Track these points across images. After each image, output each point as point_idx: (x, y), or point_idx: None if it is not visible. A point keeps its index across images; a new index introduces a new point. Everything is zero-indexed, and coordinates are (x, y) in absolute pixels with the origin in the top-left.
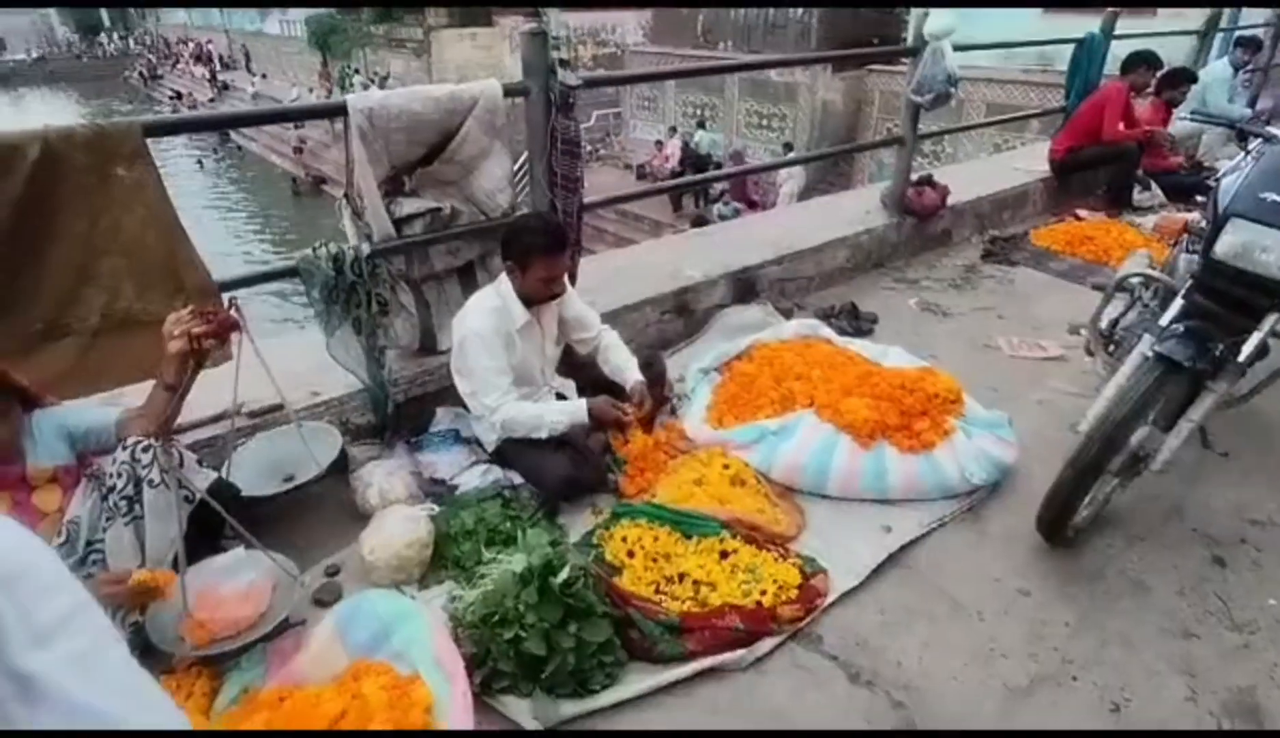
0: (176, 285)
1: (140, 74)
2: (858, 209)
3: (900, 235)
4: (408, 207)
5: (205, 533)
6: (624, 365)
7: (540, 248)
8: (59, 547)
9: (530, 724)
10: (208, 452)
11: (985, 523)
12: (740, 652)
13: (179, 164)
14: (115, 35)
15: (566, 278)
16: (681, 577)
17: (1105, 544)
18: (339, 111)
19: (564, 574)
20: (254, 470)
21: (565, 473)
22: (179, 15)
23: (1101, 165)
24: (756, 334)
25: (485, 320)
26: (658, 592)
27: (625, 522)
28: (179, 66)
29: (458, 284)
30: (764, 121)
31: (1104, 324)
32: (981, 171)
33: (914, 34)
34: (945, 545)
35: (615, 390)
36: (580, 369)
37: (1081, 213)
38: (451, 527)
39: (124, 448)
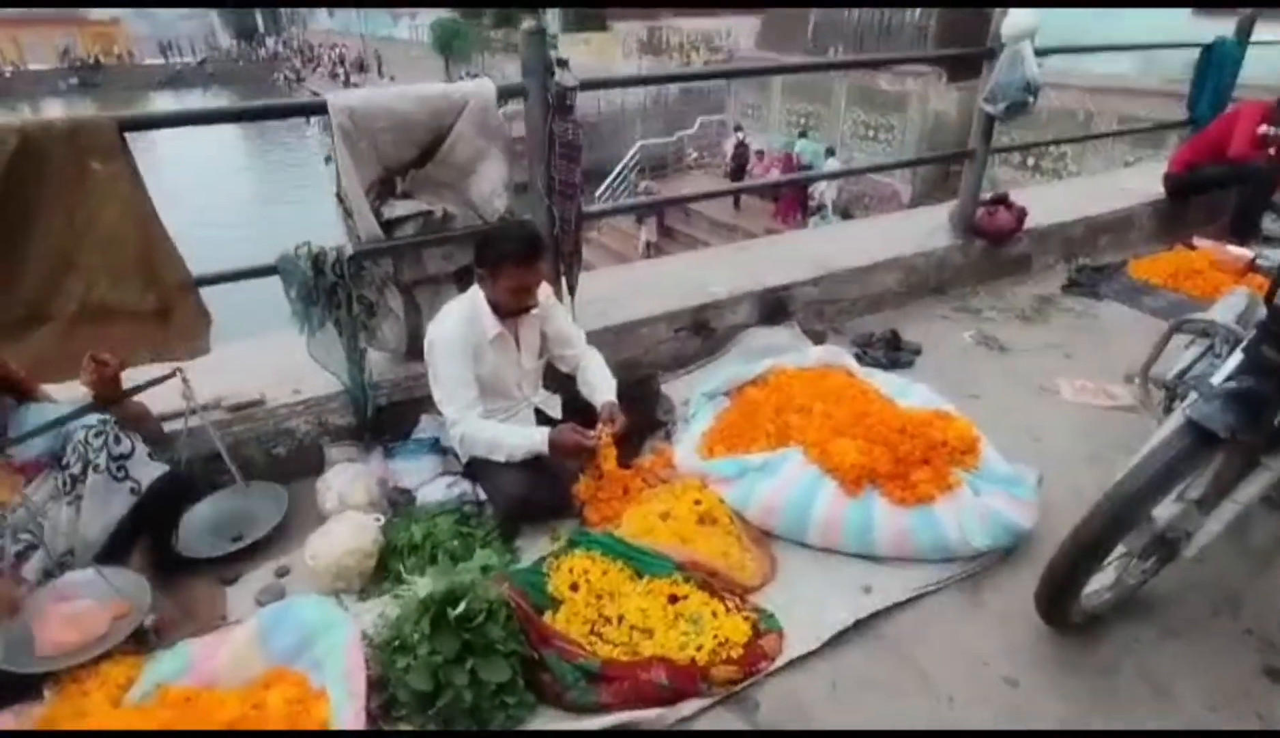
0: (151, 278)
1: (286, 77)
2: (921, 228)
3: (966, 259)
4: (399, 209)
5: (152, 529)
6: (598, 386)
7: (511, 257)
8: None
9: None
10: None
11: (985, 594)
12: (660, 711)
13: (315, 160)
14: (269, 39)
15: (566, 290)
16: (621, 618)
17: (1130, 636)
18: (320, 110)
19: (461, 607)
20: (204, 529)
21: (518, 492)
22: (323, 20)
23: (1224, 186)
24: (777, 359)
25: (454, 328)
26: (592, 632)
27: (579, 551)
28: (319, 70)
29: (455, 289)
30: (871, 132)
31: (1171, 374)
32: (1081, 191)
33: (991, 35)
34: (931, 616)
35: (628, 392)
36: (572, 382)
37: (1199, 241)
38: (398, 539)
39: (81, 429)
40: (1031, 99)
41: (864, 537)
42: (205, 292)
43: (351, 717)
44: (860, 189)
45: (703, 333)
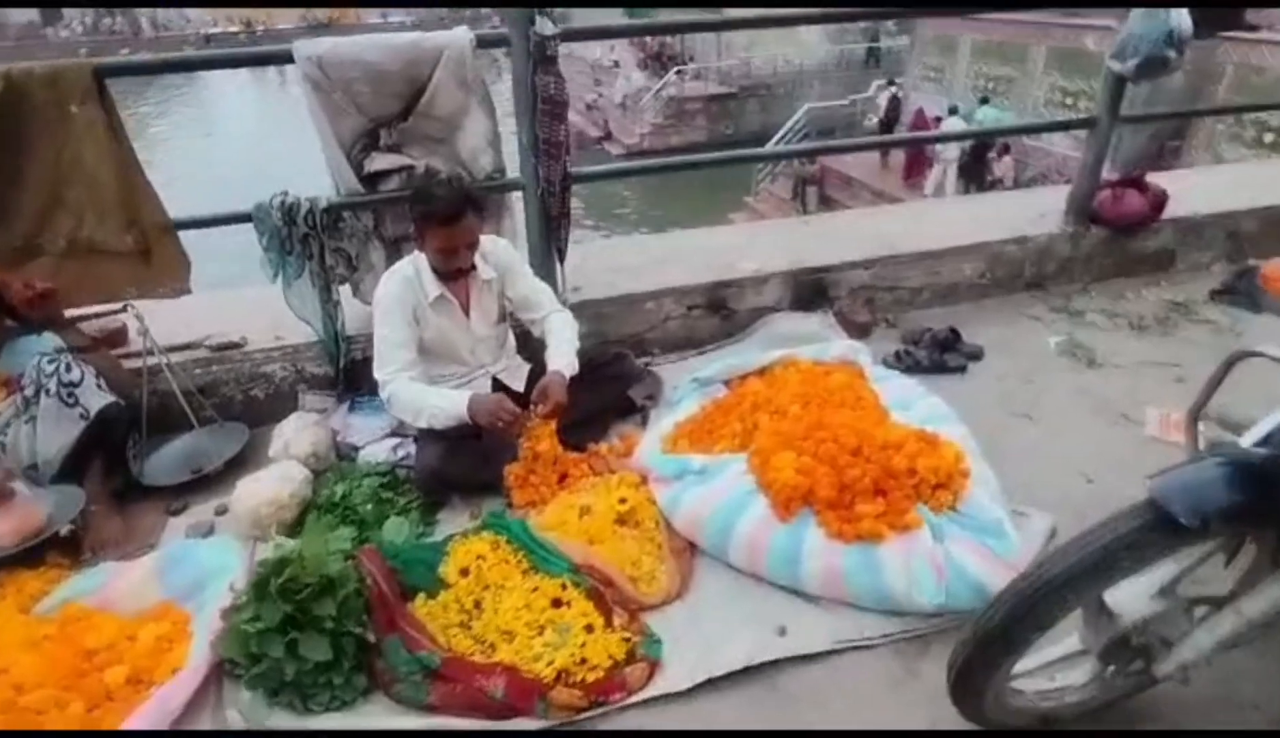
0: (131, 219)
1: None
2: (1028, 211)
3: (1076, 250)
4: (380, 162)
5: (105, 453)
6: (553, 356)
7: (434, 216)
8: None
9: (233, 719)
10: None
11: (925, 664)
12: (484, 725)
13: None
14: None
15: (556, 258)
16: (498, 612)
17: None
18: (286, 59)
19: (283, 577)
20: (171, 460)
21: (430, 463)
22: None
23: None
24: (794, 348)
25: (393, 288)
26: (461, 625)
27: (486, 534)
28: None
29: None
30: (1070, 99)
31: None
32: (1266, 176)
33: None
34: (850, 676)
35: (598, 370)
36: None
37: None
38: (321, 495)
39: (38, 356)
40: (1173, 54)
41: (791, 568)
42: (216, 236)
43: (198, 665)
44: (1048, 163)
45: (720, 313)
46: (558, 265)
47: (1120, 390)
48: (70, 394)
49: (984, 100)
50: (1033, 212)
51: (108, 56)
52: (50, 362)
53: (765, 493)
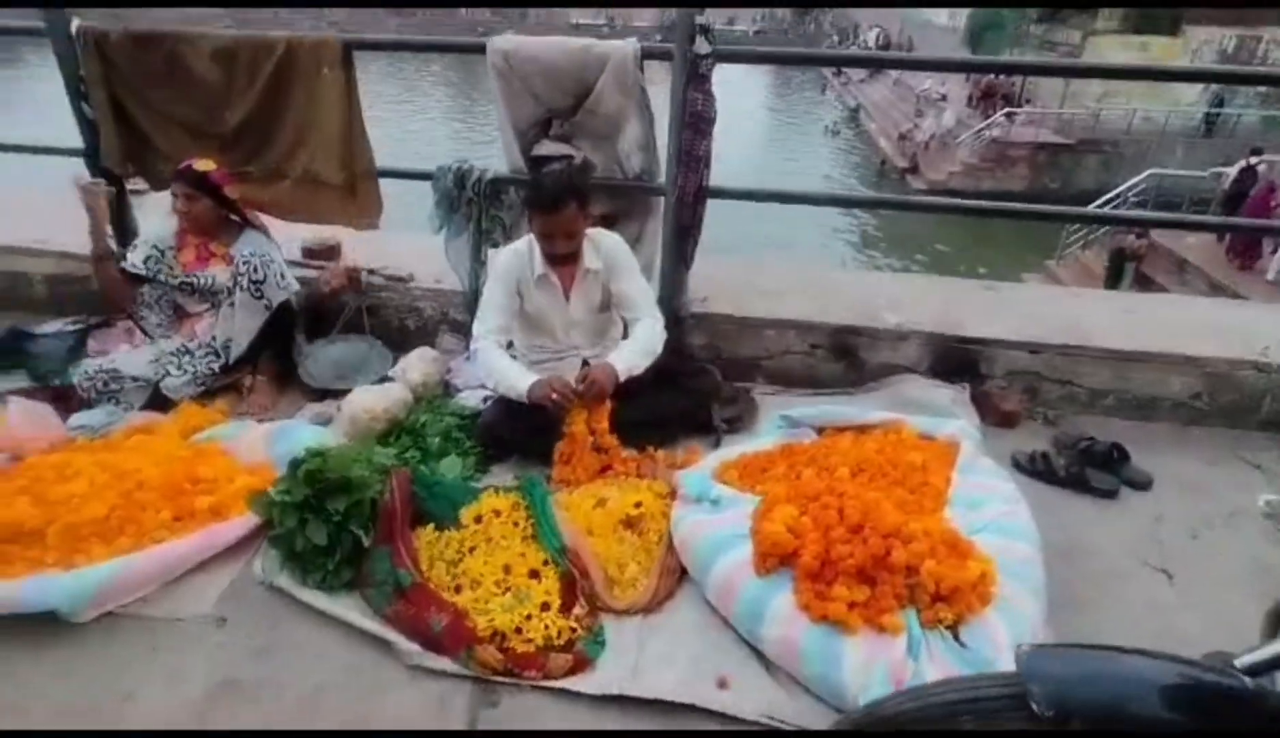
0: (345, 162)
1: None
2: None
3: None
4: (545, 148)
5: (279, 330)
6: (617, 352)
7: (534, 202)
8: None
9: (255, 569)
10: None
11: None
12: (411, 648)
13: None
14: (821, 15)
15: (684, 265)
16: (486, 562)
17: None
18: (479, 49)
19: (306, 466)
20: (327, 362)
21: (488, 420)
22: None
23: None
24: (908, 416)
25: (506, 258)
26: (449, 563)
27: (512, 495)
28: (853, 46)
29: None
30: None
31: None
32: None
33: None
34: None
35: (678, 380)
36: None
37: None
38: (408, 420)
39: (249, 252)
40: None
41: (753, 624)
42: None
43: (252, 518)
44: None
45: (845, 359)
46: (685, 271)
47: None
48: (258, 290)
49: None
50: None
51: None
52: (245, 262)
53: (750, 539)
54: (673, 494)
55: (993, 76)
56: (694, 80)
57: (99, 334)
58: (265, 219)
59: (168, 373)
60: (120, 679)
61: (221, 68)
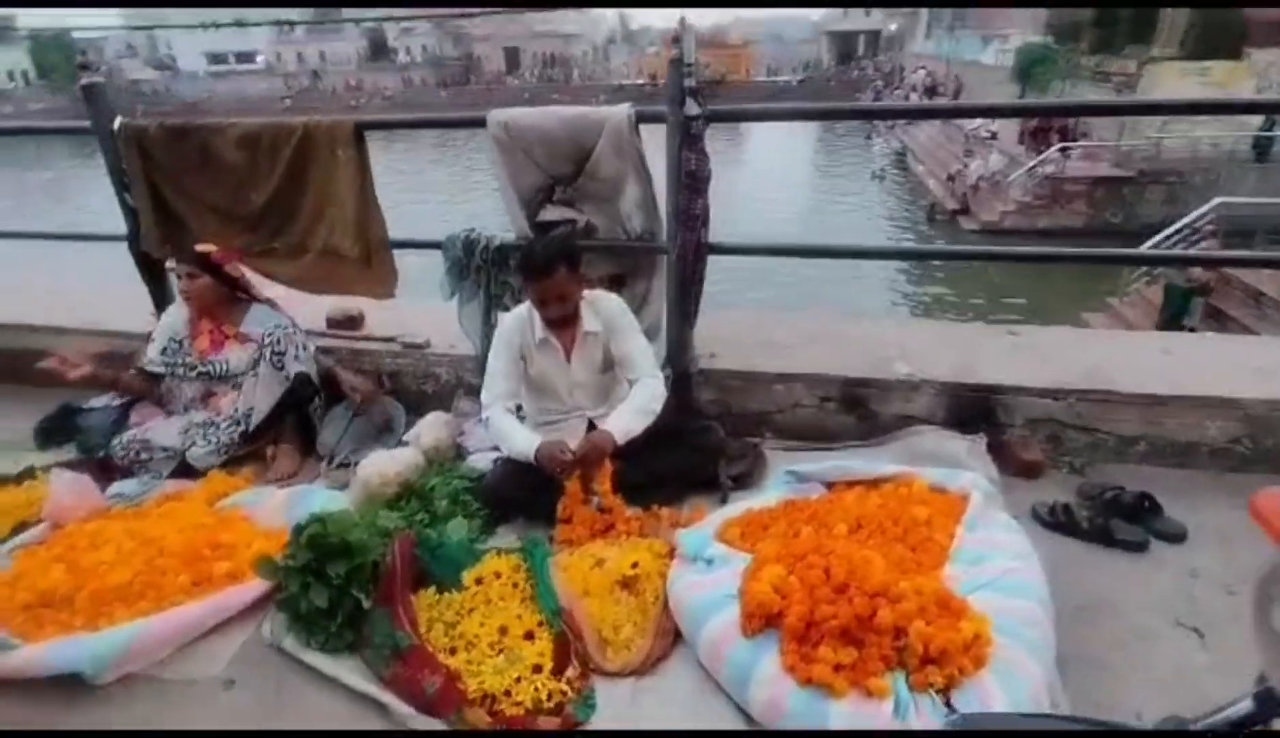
0: (360, 235)
1: (872, 98)
2: None
3: None
4: (550, 213)
5: (299, 400)
6: (614, 415)
7: (523, 269)
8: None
9: (264, 631)
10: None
11: None
12: (407, 711)
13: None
14: (865, 62)
15: (684, 322)
16: (483, 624)
17: None
18: (479, 123)
19: (310, 532)
20: (343, 429)
21: (493, 483)
22: (918, 44)
23: None
24: (921, 468)
25: (508, 324)
26: (447, 624)
27: (514, 556)
28: (897, 91)
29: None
30: None
31: None
32: None
33: None
34: None
35: (683, 437)
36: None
37: None
38: (419, 483)
39: (273, 326)
40: None
41: (740, 687)
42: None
43: (264, 582)
44: None
45: (856, 412)
46: (690, 328)
47: None
48: (279, 361)
49: None
50: None
51: (540, 101)
52: (270, 335)
53: (739, 600)
54: (672, 553)
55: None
56: (687, 141)
57: (140, 408)
58: (281, 291)
59: (194, 443)
60: None
61: (246, 153)
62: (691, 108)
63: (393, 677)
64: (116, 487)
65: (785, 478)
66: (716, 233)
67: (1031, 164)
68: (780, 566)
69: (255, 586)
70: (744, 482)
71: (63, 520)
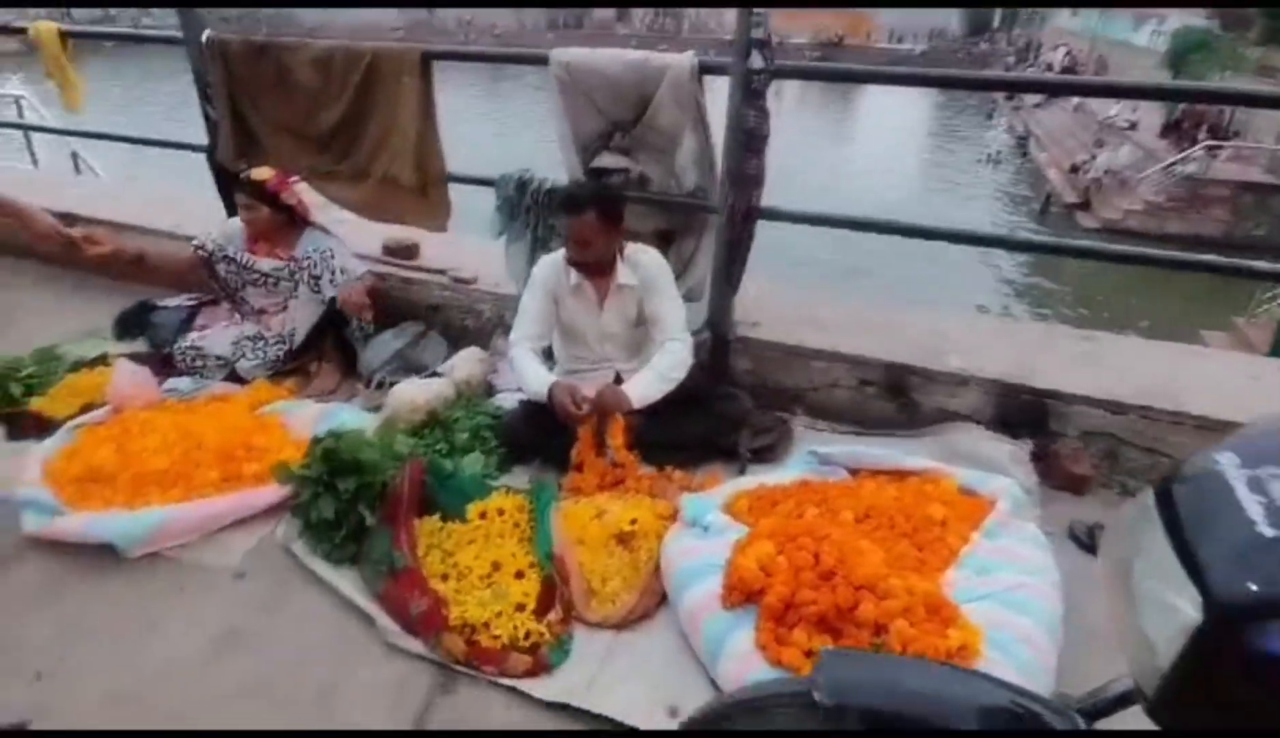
0: (419, 165)
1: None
2: None
3: None
4: (604, 160)
5: (335, 322)
6: (635, 380)
7: (560, 203)
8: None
9: (277, 533)
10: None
11: None
12: (392, 627)
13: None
14: (999, 35)
15: (727, 286)
16: (478, 555)
17: None
18: (542, 61)
19: (322, 446)
20: (387, 351)
21: (510, 421)
22: (1063, 19)
23: None
24: (953, 467)
25: (543, 267)
26: (444, 551)
27: (520, 496)
28: (1030, 67)
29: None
30: None
31: None
32: None
33: None
34: None
35: (706, 402)
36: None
37: None
38: (444, 414)
39: (311, 249)
40: None
41: (712, 656)
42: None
43: (285, 487)
44: None
45: (898, 400)
46: (732, 293)
47: None
48: (315, 284)
49: None
50: None
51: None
52: (305, 259)
53: (724, 572)
54: (675, 516)
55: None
56: (748, 96)
57: (206, 311)
58: (350, 217)
59: (244, 356)
60: (149, 612)
61: (319, 74)
62: (755, 61)
63: (384, 593)
64: (172, 382)
65: (807, 458)
66: (791, 199)
67: (1171, 161)
68: (770, 543)
69: (276, 490)
70: (765, 455)
71: (122, 406)
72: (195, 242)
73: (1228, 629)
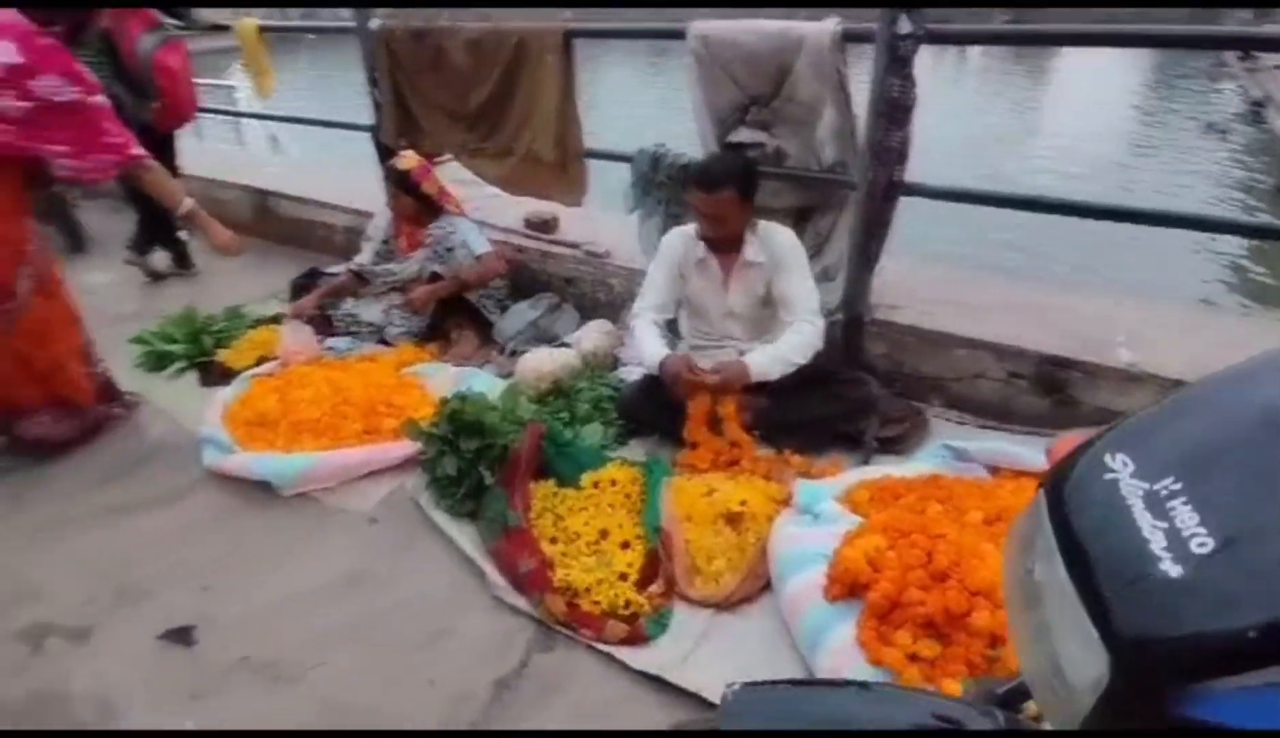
0: (559, 141)
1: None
2: None
3: None
4: (741, 134)
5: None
6: (759, 354)
7: (691, 179)
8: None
9: (408, 486)
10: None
11: None
12: (501, 582)
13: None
14: None
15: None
16: (586, 522)
17: None
18: (680, 35)
19: (449, 407)
20: (522, 323)
21: (627, 394)
22: None
23: None
24: None
25: (671, 238)
26: (556, 515)
27: (635, 469)
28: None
29: (789, 225)
30: None
31: None
32: None
33: None
34: None
35: (832, 386)
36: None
37: None
38: (569, 384)
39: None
40: None
41: (811, 648)
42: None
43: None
44: None
45: (1053, 396)
46: (870, 273)
47: None
48: (447, 256)
49: None
50: None
51: None
52: (432, 237)
53: (831, 563)
54: (789, 501)
55: None
56: (893, 64)
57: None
58: (492, 193)
59: (392, 323)
60: (295, 545)
61: (471, 56)
62: (903, 25)
63: (496, 549)
64: (331, 342)
65: (941, 451)
66: (959, 174)
67: None
68: (881, 537)
69: (410, 445)
70: (895, 446)
71: (289, 361)
72: (350, 267)
73: (1142, 696)
